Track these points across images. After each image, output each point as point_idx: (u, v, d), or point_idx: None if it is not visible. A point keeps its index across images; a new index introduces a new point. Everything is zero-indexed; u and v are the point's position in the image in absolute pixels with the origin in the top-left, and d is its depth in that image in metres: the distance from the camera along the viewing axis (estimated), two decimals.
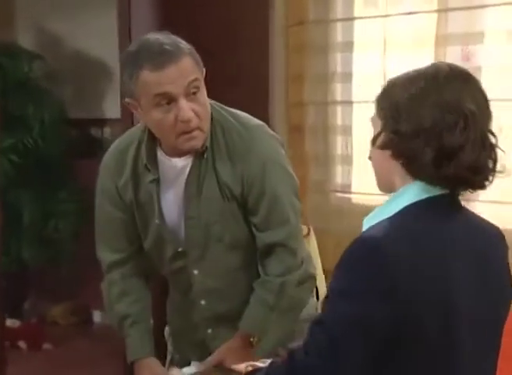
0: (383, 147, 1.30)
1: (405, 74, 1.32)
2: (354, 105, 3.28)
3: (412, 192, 1.27)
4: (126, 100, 1.73)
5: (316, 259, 2.65)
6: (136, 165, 1.80)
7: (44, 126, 4.08)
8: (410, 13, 3.02)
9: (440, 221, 1.27)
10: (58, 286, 4.38)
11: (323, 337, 1.21)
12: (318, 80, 3.34)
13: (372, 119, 1.35)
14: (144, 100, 1.67)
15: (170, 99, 1.66)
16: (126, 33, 3.49)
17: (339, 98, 3.32)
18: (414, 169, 1.27)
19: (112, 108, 4.15)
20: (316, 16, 3.33)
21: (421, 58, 3.00)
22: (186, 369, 1.74)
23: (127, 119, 3.48)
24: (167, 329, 2.01)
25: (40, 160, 4.14)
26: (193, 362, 1.77)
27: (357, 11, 3.24)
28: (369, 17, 3.18)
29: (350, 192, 3.22)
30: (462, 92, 1.26)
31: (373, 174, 3.47)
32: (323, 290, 2.45)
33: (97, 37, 4.10)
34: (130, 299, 1.87)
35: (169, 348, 1.98)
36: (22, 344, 4.01)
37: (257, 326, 1.78)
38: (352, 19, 3.26)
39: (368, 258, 1.21)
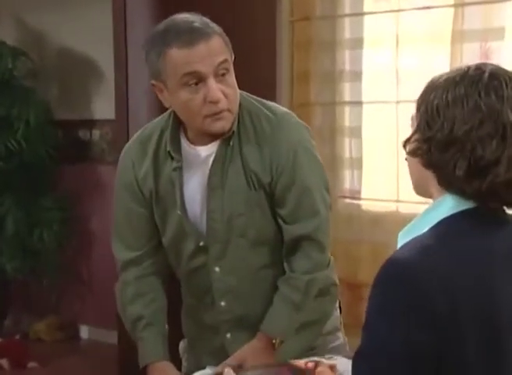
0: (413, 154, 1.26)
1: (448, 74, 1.27)
2: (364, 106, 3.26)
3: (446, 205, 1.24)
4: (152, 82, 1.71)
5: None
6: (158, 155, 1.79)
7: (29, 128, 4.02)
8: (424, 8, 3.01)
9: (477, 235, 1.24)
10: (43, 299, 4.32)
11: (366, 368, 1.18)
12: (324, 79, 3.32)
13: (412, 119, 1.31)
14: (172, 80, 1.66)
15: (199, 79, 1.65)
16: (121, 30, 3.47)
17: (347, 98, 3.31)
18: (446, 181, 1.24)
19: (101, 109, 4.10)
20: (323, 11, 3.31)
21: (436, 56, 3.00)
22: (202, 372, 1.69)
23: (122, 120, 3.43)
24: (181, 344, 1.96)
25: (24, 164, 4.08)
26: (208, 366, 1.72)
27: (367, 5, 3.23)
28: (380, 12, 3.17)
29: (359, 198, 3.20)
30: (503, 100, 1.22)
31: (384, 178, 3.45)
32: None
33: (84, 33, 4.06)
34: (145, 300, 1.84)
35: (184, 364, 1.93)
36: (4, 362, 3.93)
37: (280, 327, 1.73)
38: (361, 14, 3.24)
39: (404, 279, 1.17)
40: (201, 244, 1.78)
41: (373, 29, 3.20)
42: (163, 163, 1.78)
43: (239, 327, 1.81)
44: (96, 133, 4.20)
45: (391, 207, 3.18)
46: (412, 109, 3.45)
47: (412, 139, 1.26)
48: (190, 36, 1.63)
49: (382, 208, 3.20)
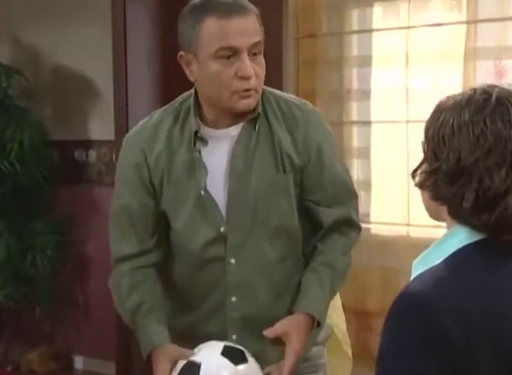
0: (421, 187, 1.28)
1: (455, 97, 1.28)
2: (373, 126, 3.31)
3: (458, 237, 1.25)
4: (180, 53, 1.77)
5: (336, 297, 2.63)
6: (172, 138, 1.83)
7: (23, 149, 4.05)
8: (435, 25, 3.06)
9: (490, 267, 1.25)
10: (35, 328, 4.32)
11: None
12: (331, 97, 3.37)
13: (422, 144, 1.31)
14: (205, 51, 1.72)
15: (233, 53, 1.71)
16: (121, 48, 3.52)
17: (355, 117, 3.36)
18: (455, 214, 1.25)
19: (98, 129, 4.14)
20: (329, 27, 3.37)
21: (448, 74, 3.04)
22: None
23: (121, 140, 3.46)
24: None
25: (17, 187, 4.11)
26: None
27: (376, 22, 3.29)
28: (389, 29, 3.23)
29: (368, 222, 3.23)
30: (511, 126, 1.22)
31: (394, 201, 3.46)
32: (343, 326, 2.43)
33: (82, 52, 4.11)
34: (144, 288, 1.84)
35: None
36: None
37: (321, 310, 1.79)
38: (370, 30, 3.30)
39: (418, 312, 1.18)
40: (222, 229, 1.80)
41: (382, 46, 3.26)
42: (179, 145, 1.82)
43: (246, 328, 1.82)
44: (93, 154, 4.23)
45: (401, 231, 3.21)
46: (422, 130, 3.48)
47: (420, 170, 1.28)
48: (231, 8, 1.70)
49: (392, 232, 3.24)
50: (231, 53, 1.71)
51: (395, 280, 3.16)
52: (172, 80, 3.61)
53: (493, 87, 1.27)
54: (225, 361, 1.67)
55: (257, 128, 1.80)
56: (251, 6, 1.74)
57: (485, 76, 2.95)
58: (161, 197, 1.84)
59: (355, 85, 3.33)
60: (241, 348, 1.70)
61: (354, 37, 3.35)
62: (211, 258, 1.83)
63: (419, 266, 1.28)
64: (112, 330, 3.76)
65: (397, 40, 3.17)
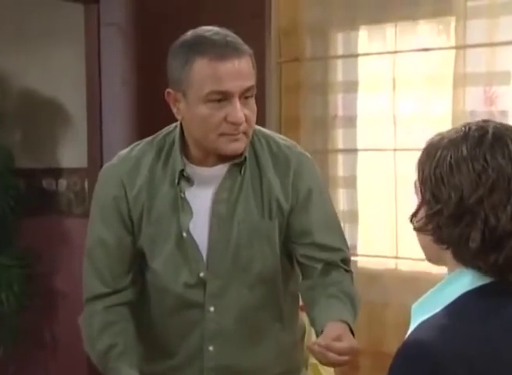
0: (422, 231, 1.29)
1: (448, 135, 1.29)
2: (359, 154, 3.35)
3: (462, 281, 1.27)
4: (168, 90, 1.78)
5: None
6: (154, 174, 1.84)
7: None
8: (423, 50, 3.12)
9: (497, 313, 1.26)
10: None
11: None
12: (316, 124, 3.41)
13: (415, 186, 1.34)
14: (194, 92, 1.73)
15: (224, 97, 1.72)
16: (94, 73, 3.55)
17: (340, 145, 3.40)
18: (460, 257, 1.27)
19: (69, 156, 4.15)
20: (313, 52, 3.43)
21: (436, 101, 3.10)
22: None
23: (95, 168, 3.49)
24: None
25: None
26: None
27: (362, 46, 3.34)
28: (376, 53, 3.28)
29: (355, 254, 3.25)
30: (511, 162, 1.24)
31: (381, 233, 3.48)
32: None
33: (51, 75, 4.13)
34: (116, 329, 1.86)
35: None
36: None
37: (350, 318, 1.77)
38: (355, 55, 3.36)
39: (424, 362, 1.20)
40: (202, 275, 1.83)
41: (368, 71, 3.30)
42: (161, 182, 1.84)
43: None
44: (63, 182, 4.23)
45: (389, 264, 3.24)
46: (411, 158, 3.51)
47: (419, 214, 1.29)
48: (225, 49, 1.71)
49: (380, 266, 3.27)
50: (222, 97, 1.72)
51: (383, 315, 3.19)
52: (148, 105, 3.64)
53: (488, 122, 1.30)
54: None
55: (242, 172, 1.83)
56: (245, 47, 1.76)
57: (474, 102, 3.00)
58: (139, 233, 1.86)
59: (340, 111, 3.38)
60: None
61: (339, 61, 3.40)
62: (189, 303, 1.85)
63: (419, 312, 1.29)
64: (82, 372, 3.74)
65: (384, 65, 3.22)
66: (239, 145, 1.77)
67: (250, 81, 1.75)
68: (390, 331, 3.17)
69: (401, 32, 3.19)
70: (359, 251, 3.32)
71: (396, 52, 3.20)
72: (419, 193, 1.31)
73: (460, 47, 3.02)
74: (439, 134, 1.31)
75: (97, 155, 3.64)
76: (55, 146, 4.26)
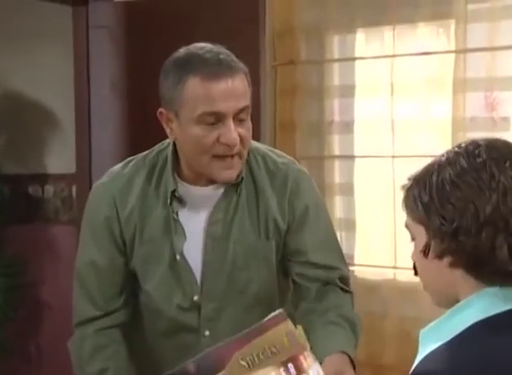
0: (442, 255, 1.28)
1: (432, 163, 1.31)
2: (356, 160, 3.35)
3: (475, 308, 1.27)
4: (161, 110, 1.77)
5: None
6: (147, 193, 1.84)
7: None
8: (422, 54, 3.13)
9: (507, 341, 1.25)
10: None
11: None
12: (311, 130, 3.41)
13: (408, 226, 1.34)
14: (187, 113, 1.72)
15: (217, 118, 1.71)
16: (83, 75, 3.55)
17: (337, 151, 3.40)
18: (487, 271, 1.26)
19: (56, 162, 4.14)
20: (309, 55, 3.42)
21: (436, 106, 3.10)
22: None
23: (83, 174, 3.49)
24: None
25: None
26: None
27: (359, 50, 3.34)
28: (373, 57, 3.28)
29: (352, 264, 3.25)
30: None
31: (379, 242, 3.47)
32: None
33: (38, 78, 4.12)
34: (108, 352, 1.85)
35: None
36: None
37: (349, 347, 1.75)
38: (352, 59, 3.36)
39: None
40: (195, 298, 1.83)
41: (365, 75, 3.30)
42: (154, 201, 1.83)
43: None
44: (49, 189, 4.22)
45: (388, 274, 3.24)
46: (409, 165, 3.49)
47: (431, 247, 1.28)
48: (218, 68, 1.69)
49: (378, 276, 3.26)
50: (215, 118, 1.71)
51: (381, 327, 3.18)
52: (138, 109, 3.64)
53: (477, 139, 1.30)
54: None
55: (238, 192, 1.82)
56: (240, 65, 1.74)
57: (475, 108, 3.00)
58: (131, 254, 1.86)
59: (337, 117, 3.38)
60: None
61: (336, 65, 3.40)
62: (182, 327, 1.85)
63: (429, 338, 1.28)
64: None
65: (382, 69, 3.22)
66: (232, 173, 1.76)
67: (245, 101, 1.73)
68: (389, 343, 3.17)
69: (400, 35, 3.19)
70: (356, 260, 3.32)
71: (394, 56, 3.20)
72: (417, 228, 1.29)
73: (461, 51, 3.02)
74: (416, 172, 1.32)
75: (85, 161, 3.64)
76: (41, 151, 4.25)
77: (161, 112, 1.78)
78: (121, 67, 3.78)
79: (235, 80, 1.70)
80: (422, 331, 1.31)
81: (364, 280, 3.23)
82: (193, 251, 1.83)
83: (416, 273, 1.36)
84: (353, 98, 3.33)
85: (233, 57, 1.75)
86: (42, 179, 4.22)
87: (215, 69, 1.69)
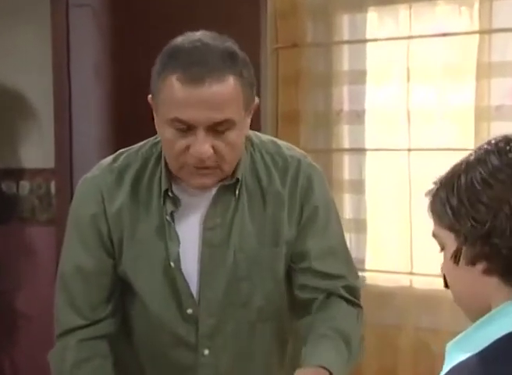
0: (474, 261, 1.28)
1: (468, 157, 1.31)
2: (368, 154, 3.35)
3: (506, 319, 1.27)
4: (150, 96, 1.77)
5: None
6: (137, 190, 1.84)
7: None
8: (442, 35, 3.12)
9: None
10: None
11: None
12: (318, 120, 3.41)
13: (436, 235, 1.34)
14: (162, 111, 1.73)
15: (188, 127, 1.70)
16: (62, 60, 3.55)
17: (346, 144, 3.40)
18: None
19: (32, 156, 4.13)
20: (315, 36, 3.42)
21: (457, 93, 3.10)
22: None
23: (63, 168, 3.48)
24: None
25: None
26: None
27: (371, 31, 3.33)
28: (387, 39, 3.27)
29: (362, 269, 3.26)
30: None
31: (394, 245, 3.48)
32: None
33: (12, 64, 4.12)
34: (92, 366, 1.84)
35: None
36: None
37: (335, 362, 1.73)
38: (364, 41, 3.36)
39: None
40: (189, 311, 1.82)
41: (378, 59, 3.30)
42: (146, 199, 1.84)
43: None
44: (25, 185, 4.22)
45: (403, 281, 3.24)
46: (427, 159, 3.50)
47: (463, 253, 1.29)
48: (199, 71, 1.65)
49: (392, 283, 3.26)
50: (186, 127, 1.69)
51: (395, 340, 3.19)
52: (124, 97, 3.65)
53: (507, 134, 1.32)
54: None
55: (237, 194, 1.82)
56: (235, 65, 1.69)
57: (501, 95, 3.00)
58: (120, 255, 1.86)
59: (346, 106, 3.38)
60: None
61: (345, 48, 3.40)
62: (180, 341, 1.84)
63: (456, 349, 1.29)
64: None
65: (396, 52, 3.21)
66: (206, 180, 1.75)
67: (224, 113, 1.68)
68: (404, 357, 3.17)
69: (416, 14, 3.18)
70: (367, 266, 3.32)
71: (410, 38, 3.19)
72: (446, 235, 1.30)
73: (485, 31, 3.02)
74: (441, 175, 1.33)
75: (65, 154, 3.64)
76: (16, 144, 4.25)
77: (150, 99, 1.78)
78: (105, 50, 3.79)
79: (218, 85, 1.65)
80: (448, 345, 1.32)
81: (377, 288, 3.23)
82: (189, 258, 1.82)
83: (447, 286, 1.36)
84: (364, 85, 3.33)
85: (230, 53, 1.69)
86: (17, 174, 4.22)
87: (195, 71, 1.65)
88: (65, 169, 3.43)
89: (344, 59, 3.40)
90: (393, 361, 3.19)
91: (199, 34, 1.73)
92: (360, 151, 3.37)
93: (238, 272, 1.82)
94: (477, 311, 1.33)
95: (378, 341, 3.17)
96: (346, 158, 3.40)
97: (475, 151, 1.31)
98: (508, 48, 2.99)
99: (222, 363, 1.84)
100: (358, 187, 3.37)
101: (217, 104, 1.67)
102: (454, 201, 1.29)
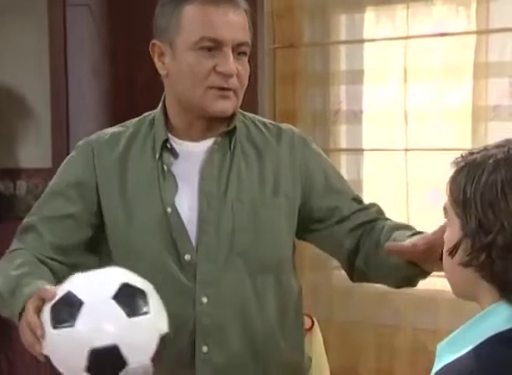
0: (467, 265, 1.29)
1: (489, 152, 1.29)
2: (365, 154, 3.35)
3: (501, 316, 1.28)
4: (154, 41, 1.85)
5: (321, 359, 2.67)
6: (130, 147, 1.89)
7: None
8: (439, 35, 3.12)
9: None
10: None
11: None
12: (315, 120, 3.41)
13: (446, 210, 1.33)
14: (183, 39, 1.80)
15: (216, 46, 1.79)
16: (60, 57, 3.54)
17: (344, 144, 3.40)
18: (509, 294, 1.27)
19: (30, 156, 4.13)
20: (313, 36, 3.42)
21: (454, 93, 3.10)
22: None
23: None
24: None
25: None
26: None
27: (368, 31, 3.34)
28: (384, 39, 3.28)
29: None
30: None
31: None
32: None
33: (9, 62, 4.12)
34: (40, 267, 1.84)
35: None
36: None
37: None
38: (361, 41, 3.36)
39: None
40: (187, 257, 1.82)
41: (375, 59, 3.31)
42: (139, 155, 1.88)
43: None
44: (22, 185, 4.23)
45: None
46: (425, 159, 3.49)
47: (461, 248, 1.29)
48: None
49: None
50: (213, 45, 1.79)
51: (393, 340, 3.19)
52: (122, 97, 3.65)
53: None
54: (116, 308, 1.54)
55: (232, 146, 1.86)
56: (243, 2, 1.84)
57: (498, 95, 3.00)
58: (109, 208, 1.89)
59: (343, 106, 3.38)
60: (144, 288, 1.59)
61: (342, 47, 3.40)
62: (178, 291, 1.82)
63: (446, 351, 1.29)
64: None
65: (394, 52, 3.22)
66: (228, 105, 1.82)
67: (245, 36, 1.82)
68: (402, 358, 3.17)
69: (414, 14, 3.19)
70: None
71: (407, 37, 3.19)
72: (454, 219, 1.30)
73: (483, 32, 3.02)
74: (479, 150, 1.31)
75: (62, 154, 3.60)
76: (13, 143, 4.24)
77: (153, 44, 1.86)
78: (102, 50, 3.78)
79: (236, 12, 1.80)
80: (439, 345, 1.32)
81: (375, 288, 3.19)
82: (187, 206, 1.85)
83: (441, 259, 1.36)
84: (361, 85, 3.33)
85: None
86: (14, 174, 4.22)
87: None
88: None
89: (341, 59, 3.41)
90: (391, 361, 3.19)
91: None
92: (357, 151, 3.38)
93: (236, 222, 1.84)
94: (463, 294, 1.34)
95: (376, 341, 3.17)
96: (344, 158, 3.41)
97: (500, 146, 1.29)
98: (505, 48, 2.99)
99: (220, 314, 1.83)
100: (356, 186, 3.34)
101: (241, 25, 1.81)
102: (468, 194, 1.27)
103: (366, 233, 1.88)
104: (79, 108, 3.77)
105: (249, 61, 1.85)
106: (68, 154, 3.58)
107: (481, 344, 1.26)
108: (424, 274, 1.78)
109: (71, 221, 1.90)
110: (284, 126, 1.97)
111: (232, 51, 1.79)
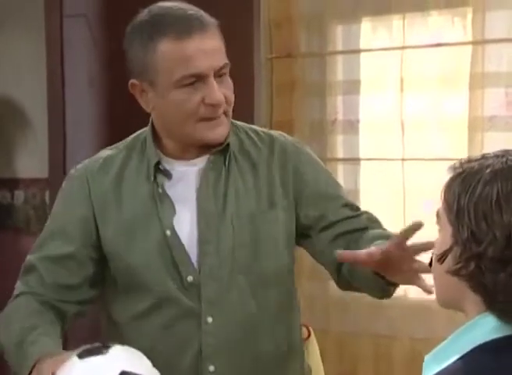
0: (455, 274, 1.28)
1: (491, 160, 1.29)
2: (362, 164, 3.35)
3: (486, 326, 1.28)
4: (132, 81, 1.82)
5: (318, 369, 2.66)
6: (122, 175, 1.87)
7: None
8: (435, 45, 3.13)
9: None
10: None
11: None
12: (312, 130, 3.41)
13: (439, 215, 1.33)
14: (163, 79, 1.77)
15: (198, 78, 1.77)
16: (56, 65, 3.54)
17: (340, 154, 3.40)
18: (498, 306, 1.27)
19: (27, 165, 4.13)
20: (309, 47, 3.43)
21: (450, 104, 3.11)
22: None
23: (57, 178, 3.47)
24: None
25: None
26: None
27: (364, 41, 3.35)
28: (381, 49, 3.28)
29: None
30: None
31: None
32: None
33: (5, 72, 4.12)
34: (45, 317, 1.83)
35: None
36: None
37: None
38: (357, 51, 3.36)
39: None
40: (190, 279, 1.82)
41: (372, 69, 3.31)
42: (133, 179, 1.86)
43: None
44: (19, 195, 4.23)
45: (397, 291, 3.23)
46: (421, 169, 3.48)
47: (450, 255, 1.28)
48: (188, 24, 1.75)
49: None
50: (196, 79, 1.76)
51: (389, 350, 3.18)
52: (119, 108, 3.64)
53: None
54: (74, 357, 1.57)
55: (227, 162, 1.85)
56: (208, 18, 1.81)
57: (495, 106, 3.00)
58: (106, 236, 1.87)
59: (340, 115, 3.38)
60: (143, 373, 1.58)
61: (339, 58, 3.40)
62: (182, 313, 1.83)
63: (432, 363, 1.30)
64: None
65: (390, 62, 3.23)
66: (221, 130, 1.82)
67: (224, 59, 1.80)
68: (399, 368, 3.16)
69: (410, 24, 3.20)
70: None
71: (404, 48, 3.20)
72: (446, 225, 1.29)
73: (479, 42, 3.02)
74: (477, 158, 1.30)
75: (59, 164, 3.63)
76: (10, 153, 4.24)
77: (133, 84, 1.82)
78: (99, 60, 3.78)
79: (209, 36, 1.77)
80: (426, 357, 1.32)
81: (371, 298, 3.21)
82: (186, 228, 1.84)
83: (430, 264, 1.36)
84: (358, 95, 3.34)
85: (202, 11, 1.81)
86: (12, 184, 4.22)
87: (186, 25, 1.75)
88: (60, 179, 3.37)
89: (338, 69, 3.41)
90: (388, 371, 3.19)
91: (163, 2, 1.83)
92: (354, 160, 3.38)
93: (236, 238, 1.84)
94: (447, 303, 1.34)
95: (372, 351, 3.17)
96: (341, 168, 3.41)
97: (499, 157, 1.28)
98: (501, 58, 2.99)
99: (225, 332, 1.83)
100: (352, 196, 3.34)
101: (217, 50, 1.79)
102: (462, 203, 1.26)
103: (354, 241, 1.86)
104: (76, 118, 3.77)
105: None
106: (65, 164, 3.62)
107: (468, 353, 1.26)
108: (393, 285, 1.79)
109: (72, 261, 1.89)
110: (276, 133, 1.97)
111: (215, 75, 1.78)
